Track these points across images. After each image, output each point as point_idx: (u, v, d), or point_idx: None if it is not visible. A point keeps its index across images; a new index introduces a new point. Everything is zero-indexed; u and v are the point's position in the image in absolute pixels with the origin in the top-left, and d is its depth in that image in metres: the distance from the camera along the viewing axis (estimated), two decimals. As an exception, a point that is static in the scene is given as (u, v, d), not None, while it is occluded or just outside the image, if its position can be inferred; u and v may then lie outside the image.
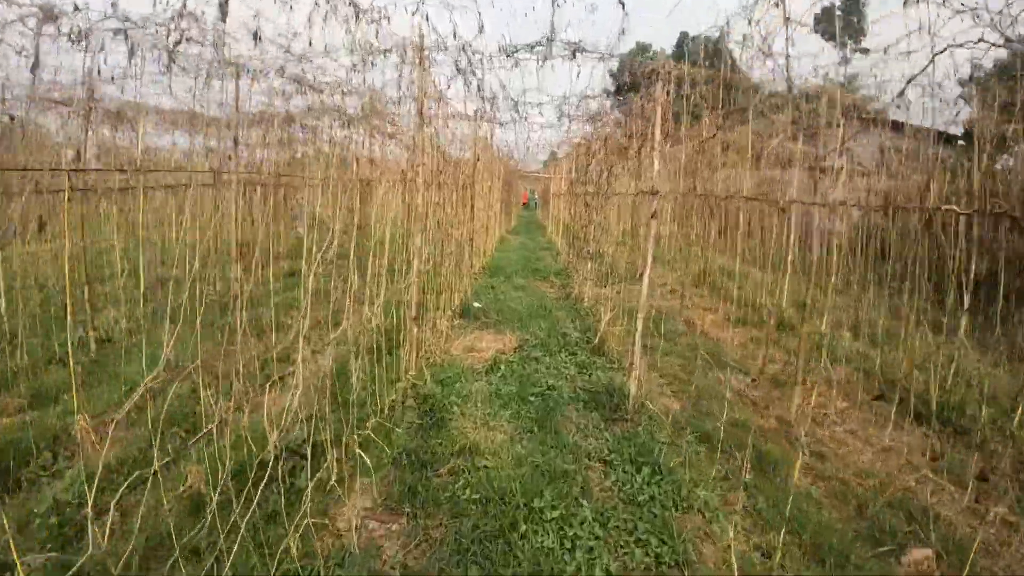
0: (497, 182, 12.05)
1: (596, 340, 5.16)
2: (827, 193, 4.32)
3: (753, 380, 4.01)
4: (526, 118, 5.08)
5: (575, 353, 5.09)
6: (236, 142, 3.74)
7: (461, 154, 6.48)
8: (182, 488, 2.72)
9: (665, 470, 3.20)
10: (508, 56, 3.34)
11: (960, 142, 11.57)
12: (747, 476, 2.94)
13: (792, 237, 8.67)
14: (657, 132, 3.48)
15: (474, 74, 3.73)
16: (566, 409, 3.87)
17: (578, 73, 3.35)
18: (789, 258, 8.46)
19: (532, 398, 3.82)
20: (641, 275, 3.49)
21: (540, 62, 3.30)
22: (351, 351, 2.60)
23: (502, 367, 4.46)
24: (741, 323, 7.14)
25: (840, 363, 5.87)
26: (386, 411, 3.29)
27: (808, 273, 9.03)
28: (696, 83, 3.64)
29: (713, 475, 3.29)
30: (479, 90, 3.79)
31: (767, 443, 3.83)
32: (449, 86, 3.83)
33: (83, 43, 2.59)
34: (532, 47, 3.20)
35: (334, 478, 2.31)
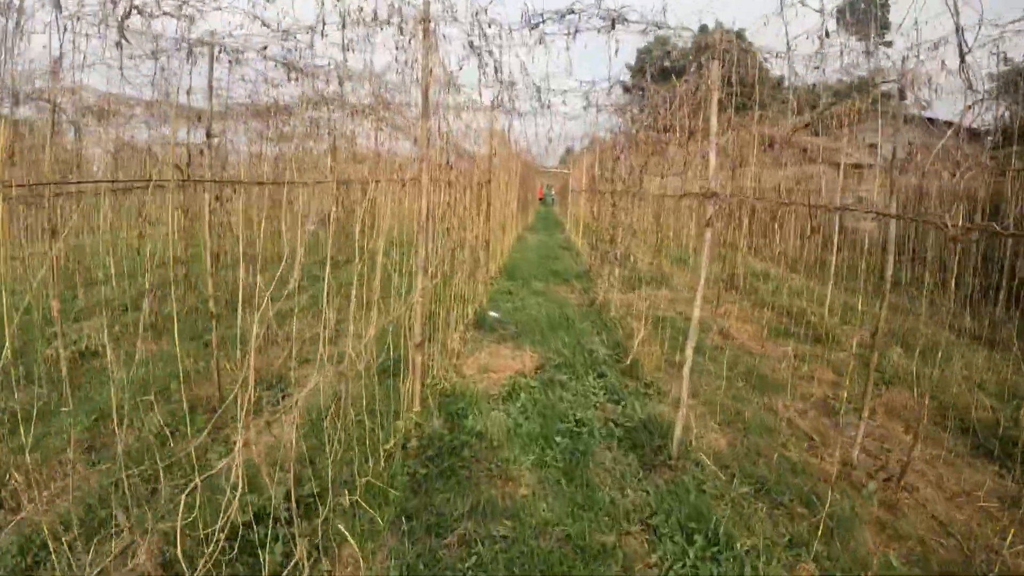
0: (515, 179, 11.41)
1: (627, 360, 4.53)
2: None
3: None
4: (549, 106, 4.46)
5: (604, 374, 4.47)
6: (209, 135, 3.18)
7: (476, 149, 5.88)
8: (129, 567, 2.19)
9: (722, 538, 2.58)
10: (532, 29, 2.73)
11: (989, 139, 10.80)
12: None
13: (836, 240, 7.92)
14: (713, 121, 2.83)
15: (490, 53, 3.12)
16: (598, 450, 3.27)
17: (616, 50, 2.73)
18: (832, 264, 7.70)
19: (558, 438, 3.22)
20: (694, 294, 2.85)
21: (572, 35, 2.68)
22: (333, 396, 2.03)
23: (522, 394, 3.87)
24: (781, 335, 6.45)
25: (896, 384, 5.20)
26: (382, 463, 2.72)
27: (839, 277, 8.27)
28: (765, 58, 2.98)
29: (775, 537, 2.69)
30: (496, 72, 3.19)
31: (832, 491, 3.21)
32: (461, 67, 3.23)
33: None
34: (563, 15, 2.58)
35: (306, 573, 1.74)
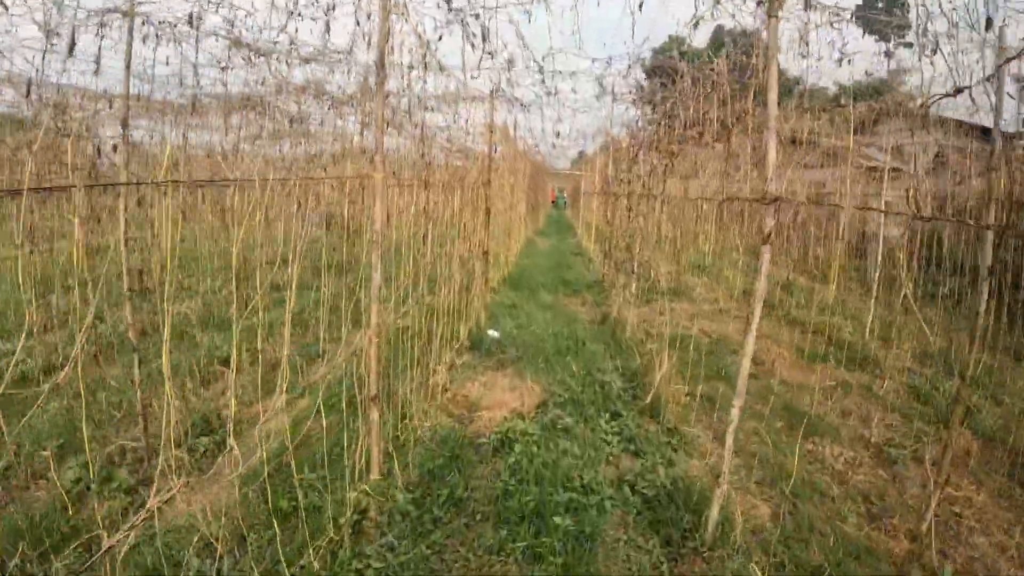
0: (522, 180, 10.70)
1: (648, 398, 3.78)
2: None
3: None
4: (555, 92, 3.74)
5: (619, 414, 3.73)
6: (125, 125, 2.51)
7: (472, 146, 5.18)
8: None
9: None
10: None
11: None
12: None
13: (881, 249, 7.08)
14: (772, 97, 2.09)
15: (476, 17, 2.42)
16: (609, 528, 2.52)
17: (640, 3, 2.02)
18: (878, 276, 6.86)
19: (558, 518, 2.48)
20: (745, 336, 2.11)
21: (578, -16, 1.97)
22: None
23: (517, 446, 3.13)
24: (819, 358, 5.63)
25: (952, 424, 4.38)
26: (314, 559, 2.01)
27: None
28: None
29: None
30: (484, 41, 2.48)
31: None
32: (440, 36, 2.53)
33: None
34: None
35: None
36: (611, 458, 3.21)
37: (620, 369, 4.63)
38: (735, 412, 2.20)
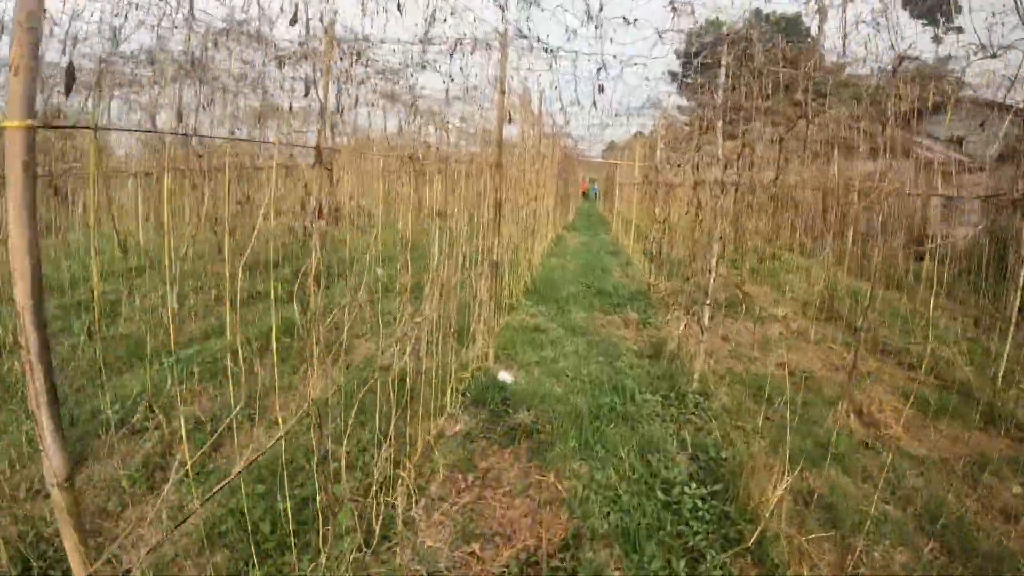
0: (550, 167, 9.12)
1: (753, 530, 2.22)
2: None
3: None
4: (599, 22, 2.20)
5: (701, 555, 2.20)
6: None
7: (479, 115, 3.67)
8: None
9: None
10: None
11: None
12: None
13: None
14: None
15: None
16: None
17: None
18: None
19: None
20: None
21: None
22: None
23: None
24: (932, 408, 3.94)
25: None
26: None
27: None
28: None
29: None
30: None
31: None
32: None
33: None
34: None
35: None
36: None
37: (690, 449, 3.07)
38: None
